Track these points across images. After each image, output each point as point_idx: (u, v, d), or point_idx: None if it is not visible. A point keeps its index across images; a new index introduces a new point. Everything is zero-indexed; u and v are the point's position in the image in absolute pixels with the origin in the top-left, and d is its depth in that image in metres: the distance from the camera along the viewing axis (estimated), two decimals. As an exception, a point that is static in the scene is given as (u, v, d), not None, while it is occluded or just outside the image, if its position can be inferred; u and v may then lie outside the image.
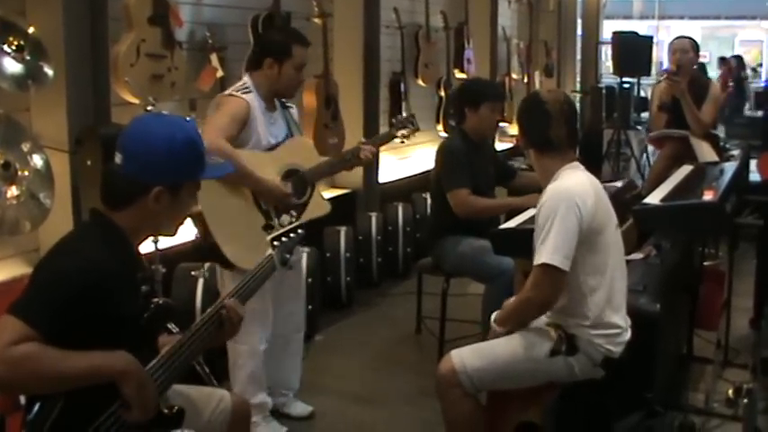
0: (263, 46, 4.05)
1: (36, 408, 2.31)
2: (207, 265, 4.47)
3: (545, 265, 3.08)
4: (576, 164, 3.31)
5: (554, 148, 3.29)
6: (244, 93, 3.90)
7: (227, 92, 3.97)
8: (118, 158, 2.44)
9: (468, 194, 4.72)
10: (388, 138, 4.66)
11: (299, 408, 4.35)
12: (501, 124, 8.84)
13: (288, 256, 2.83)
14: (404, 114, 4.63)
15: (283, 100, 4.12)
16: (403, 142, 4.72)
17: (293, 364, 4.33)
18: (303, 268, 4.51)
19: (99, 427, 2.30)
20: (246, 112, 3.85)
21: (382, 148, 6.84)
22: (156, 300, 2.52)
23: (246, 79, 3.99)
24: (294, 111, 4.21)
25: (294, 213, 2.98)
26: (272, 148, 3.97)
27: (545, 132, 3.28)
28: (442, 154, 4.93)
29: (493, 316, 3.36)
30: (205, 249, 3.89)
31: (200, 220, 3.76)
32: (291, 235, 2.86)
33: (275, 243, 2.80)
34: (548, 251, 3.08)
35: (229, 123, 3.78)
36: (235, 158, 3.66)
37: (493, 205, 4.89)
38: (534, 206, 4.29)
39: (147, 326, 2.47)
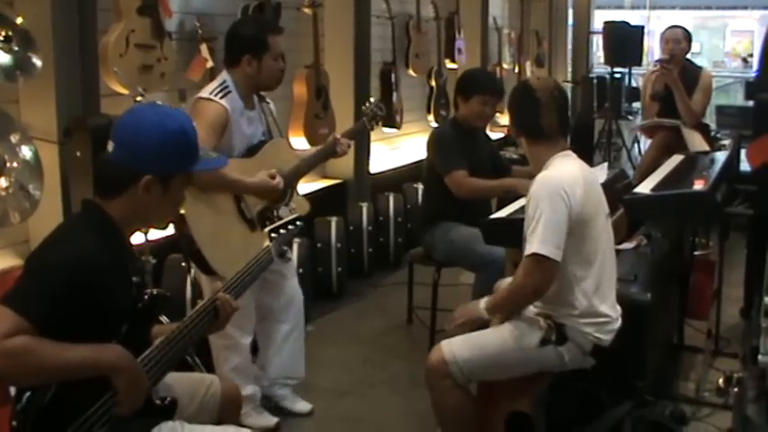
0: (238, 43, 3.90)
1: (26, 397, 2.31)
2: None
3: (536, 255, 3.08)
4: (568, 152, 3.31)
5: (545, 137, 3.28)
6: (223, 95, 3.79)
7: (205, 94, 3.82)
8: (110, 146, 2.44)
9: (466, 175, 4.72)
10: (362, 129, 4.59)
11: (300, 405, 4.33)
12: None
13: (285, 248, 2.83)
14: (371, 102, 4.54)
15: (262, 94, 4.07)
16: (372, 129, 4.66)
17: (297, 352, 4.30)
18: (294, 256, 4.46)
19: (90, 417, 2.30)
20: (225, 119, 3.76)
21: (372, 139, 6.85)
22: (150, 290, 2.51)
23: (226, 77, 3.88)
24: (272, 106, 4.15)
25: (294, 206, 2.97)
26: (250, 149, 3.92)
27: (536, 120, 3.27)
28: (434, 140, 4.95)
29: (482, 303, 3.35)
30: (185, 248, 3.88)
31: (180, 222, 3.74)
32: (290, 227, 2.85)
33: (272, 235, 2.80)
34: (538, 241, 3.08)
35: (208, 134, 3.62)
36: (219, 173, 3.63)
37: (491, 186, 4.82)
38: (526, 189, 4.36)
39: (142, 316, 2.47)
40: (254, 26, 4.04)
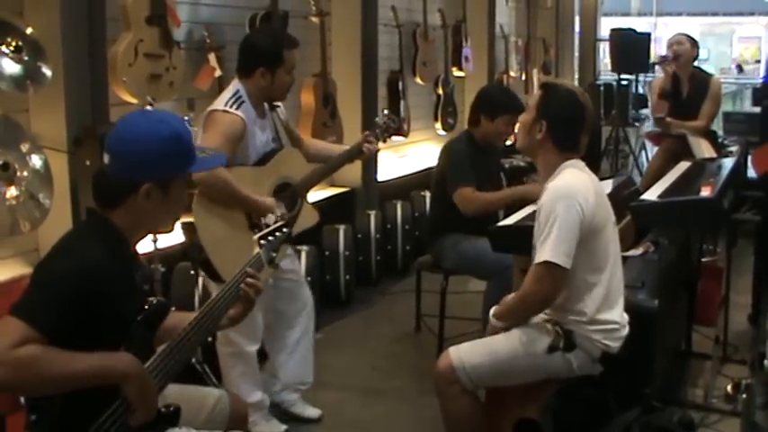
0: (254, 55, 3.91)
1: (37, 409, 2.33)
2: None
3: (547, 263, 3.09)
4: (577, 161, 3.30)
5: (573, 151, 3.29)
6: (238, 105, 3.81)
7: (220, 106, 3.82)
8: (106, 158, 2.45)
9: (473, 191, 4.72)
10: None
11: (309, 411, 4.35)
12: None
13: (273, 254, 2.83)
14: (384, 114, 4.42)
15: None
16: (385, 140, 4.56)
17: (307, 357, 4.32)
18: (302, 264, 4.46)
19: (100, 426, 2.31)
20: (242, 130, 3.78)
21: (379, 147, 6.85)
22: (151, 299, 2.52)
23: (239, 86, 3.89)
24: (281, 110, 4.17)
25: (279, 213, 2.98)
26: (263, 157, 3.94)
27: (577, 136, 3.29)
28: (446, 154, 4.93)
29: (492, 311, 3.38)
30: (194, 256, 3.90)
31: (189, 230, 3.77)
32: (277, 234, 2.86)
33: (262, 242, 2.80)
34: (550, 249, 3.08)
35: (223, 146, 3.65)
36: (230, 187, 3.70)
37: (496, 198, 4.82)
38: (538, 195, 4.35)
39: (144, 324, 2.48)
40: (270, 39, 4.01)
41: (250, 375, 4.03)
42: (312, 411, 4.35)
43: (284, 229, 2.90)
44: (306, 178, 4.08)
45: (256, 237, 2.81)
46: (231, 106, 3.80)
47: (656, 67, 6.38)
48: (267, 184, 3.92)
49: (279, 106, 4.16)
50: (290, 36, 4.06)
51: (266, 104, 4.03)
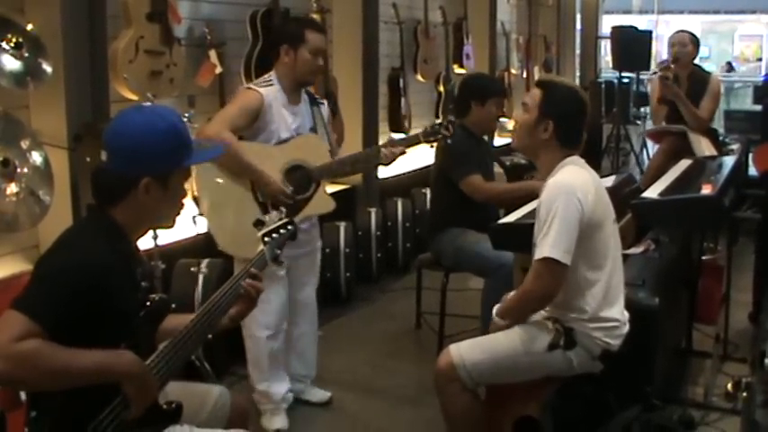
0: (278, 34, 4.12)
1: (38, 406, 2.34)
2: (206, 260, 4.49)
3: (546, 259, 3.08)
4: (576, 158, 3.31)
5: (575, 147, 3.29)
6: (264, 86, 3.96)
7: (248, 84, 4.05)
8: (104, 155, 2.47)
9: (481, 179, 4.73)
10: (415, 141, 4.31)
11: (318, 394, 4.47)
12: (501, 120, 8.83)
13: (278, 251, 2.83)
14: (446, 121, 4.39)
15: (316, 97, 4.21)
16: (430, 144, 4.53)
17: (309, 353, 4.43)
18: (318, 259, 4.48)
19: (99, 423, 2.31)
20: (258, 105, 3.90)
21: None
22: (152, 296, 2.52)
23: (272, 72, 4.04)
24: (325, 108, 4.26)
25: (284, 210, 2.98)
26: (285, 141, 3.99)
27: (582, 132, 3.30)
28: (445, 147, 4.90)
29: (495, 309, 3.38)
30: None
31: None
32: (282, 231, 2.86)
33: (266, 239, 2.80)
34: (549, 245, 3.08)
35: (237, 115, 3.87)
36: (234, 149, 3.78)
37: (506, 190, 4.86)
38: None
39: (145, 322, 2.48)
40: (294, 21, 4.27)
41: (260, 363, 4.10)
42: (321, 395, 4.46)
43: (289, 227, 2.89)
44: (324, 165, 4.10)
45: (260, 234, 2.81)
46: (256, 85, 3.99)
47: (658, 73, 6.34)
48: (279, 163, 3.96)
49: (323, 103, 4.26)
50: (315, 21, 4.19)
51: (307, 96, 4.13)
